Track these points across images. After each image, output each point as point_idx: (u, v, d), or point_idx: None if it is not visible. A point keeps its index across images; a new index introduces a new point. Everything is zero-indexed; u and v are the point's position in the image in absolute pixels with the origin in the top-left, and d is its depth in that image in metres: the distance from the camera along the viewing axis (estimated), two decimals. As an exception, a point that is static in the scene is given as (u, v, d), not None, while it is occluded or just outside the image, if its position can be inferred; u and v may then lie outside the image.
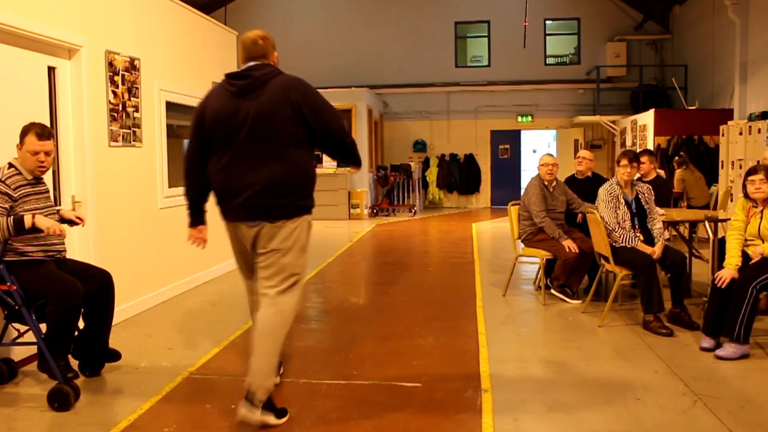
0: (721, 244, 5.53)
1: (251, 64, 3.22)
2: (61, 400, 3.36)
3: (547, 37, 16.18)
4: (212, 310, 5.64)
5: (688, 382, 3.69)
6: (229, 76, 3.24)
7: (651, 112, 11.93)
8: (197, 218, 3.65)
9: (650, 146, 11.59)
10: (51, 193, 3.90)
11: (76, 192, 4.68)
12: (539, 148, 20.09)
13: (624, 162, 5.12)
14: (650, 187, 5.37)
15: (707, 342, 4.24)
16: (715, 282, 4.21)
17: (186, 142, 6.82)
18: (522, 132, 16.99)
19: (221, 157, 3.25)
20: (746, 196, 4.47)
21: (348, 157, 3.36)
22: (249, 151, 3.15)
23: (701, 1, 13.18)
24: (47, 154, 3.57)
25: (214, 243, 6.94)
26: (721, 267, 4.37)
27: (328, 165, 13.92)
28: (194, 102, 6.52)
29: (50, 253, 3.65)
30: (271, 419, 3.13)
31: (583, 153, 6.41)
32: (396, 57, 16.26)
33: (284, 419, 3.20)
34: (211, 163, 3.34)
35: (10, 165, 3.57)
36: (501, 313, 5.42)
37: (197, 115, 3.31)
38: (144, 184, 5.58)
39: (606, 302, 5.12)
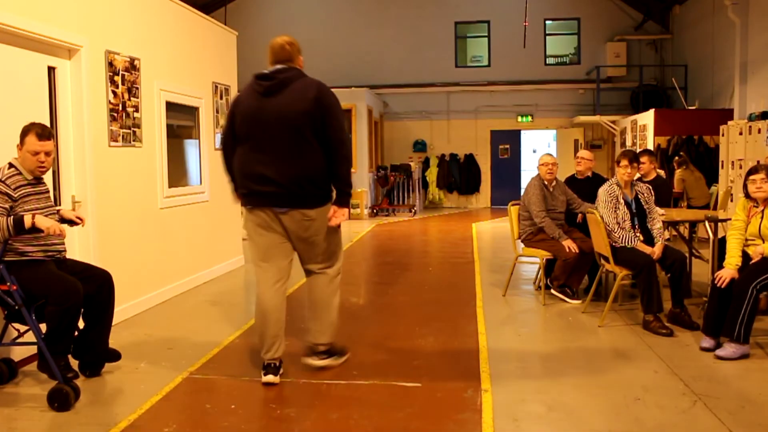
0: (721, 244, 5.53)
1: (278, 66, 3.60)
2: (61, 400, 3.35)
3: (547, 37, 16.18)
4: (212, 310, 5.64)
5: (688, 382, 3.69)
6: (258, 77, 3.61)
7: (651, 112, 11.93)
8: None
9: (650, 146, 11.59)
10: (51, 193, 3.90)
11: (76, 192, 4.68)
12: (539, 148, 20.08)
13: (624, 162, 5.12)
14: (650, 187, 5.37)
15: (707, 342, 4.24)
16: (715, 282, 4.21)
17: (186, 141, 6.85)
18: (522, 132, 17.00)
19: (247, 149, 3.60)
20: (747, 195, 4.47)
21: (338, 162, 3.60)
22: (273, 145, 3.52)
23: (701, 1, 13.18)
24: (47, 154, 3.57)
25: (214, 243, 6.96)
26: (721, 267, 4.37)
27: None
28: (194, 102, 6.59)
29: (50, 253, 3.64)
30: (341, 359, 3.98)
31: (582, 153, 6.41)
32: (396, 57, 16.26)
33: (346, 356, 4.00)
34: (237, 154, 3.67)
35: (11, 165, 3.57)
36: (501, 313, 5.42)
37: (231, 110, 3.73)
38: (144, 184, 5.58)
39: (606, 302, 5.12)
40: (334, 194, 3.67)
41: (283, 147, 3.51)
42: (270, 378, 3.67)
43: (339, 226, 3.74)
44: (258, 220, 3.65)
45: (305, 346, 3.89)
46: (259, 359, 3.83)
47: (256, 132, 3.55)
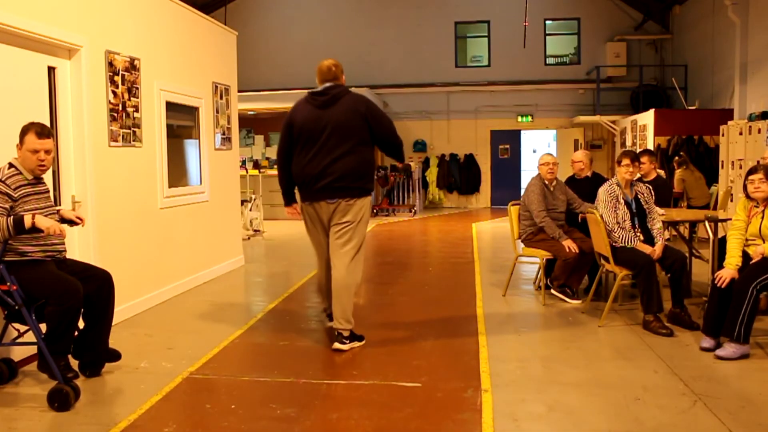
0: (721, 244, 5.53)
1: (327, 84, 4.40)
2: (61, 400, 3.35)
3: (547, 37, 16.18)
4: (212, 310, 5.64)
5: (688, 382, 3.69)
6: (312, 93, 4.42)
7: (651, 112, 11.93)
8: (290, 198, 4.69)
9: (650, 146, 11.59)
10: (51, 193, 3.90)
11: (76, 192, 4.68)
12: (539, 148, 20.08)
13: (626, 162, 5.12)
14: (650, 187, 5.37)
15: (707, 342, 4.24)
16: (715, 282, 4.21)
17: (186, 141, 6.85)
18: (522, 132, 17.00)
19: (306, 153, 4.35)
20: (748, 196, 4.47)
21: (395, 153, 4.60)
22: (329, 148, 4.28)
23: (701, 1, 13.18)
24: (47, 152, 3.57)
25: (214, 243, 6.96)
26: (721, 267, 4.37)
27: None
28: (194, 102, 6.59)
29: (50, 253, 3.64)
30: (357, 344, 4.45)
31: (575, 155, 6.43)
32: (396, 57, 16.26)
33: (363, 341, 4.49)
34: (295, 158, 4.43)
35: (11, 165, 3.57)
36: (501, 313, 5.42)
37: (287, 122, 4.44)
38: (144, 184, 5.58)
39: (606, 302, 5.12)
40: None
41: (339, 148, 4.28)
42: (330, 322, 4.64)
43: (367, 222, 4.50)
44: (312, 213, 4.49)
45: (333, 334, 4.51)
46: (259, 359, 3.94)
47: (316, 137, 4.31)
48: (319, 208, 4.41)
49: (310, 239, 4.66)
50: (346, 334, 4.37)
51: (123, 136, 5.21)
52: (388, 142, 4.51)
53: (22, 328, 3.62)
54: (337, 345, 4.35)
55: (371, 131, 4.38)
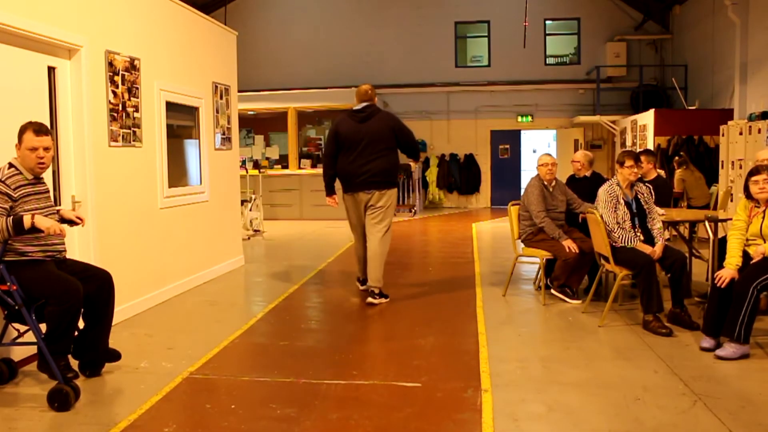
0: (721, 244, 5.52)
1: (365, 104, 5.80)
2: (61, 400, 3.35)
3: (547, 37, 16.17)
4: (212, 310, 5.64)
5: (688, 382, 3.69)
6: (353, 111, 5.82)
7: (651, 112, 11.93)
8: (331, 190, 5.98)
9: (650, 146, 11.58)
10: (51, 193, 3.90)
11: (76, 192, 4.68)
12: (539, 148, 20.07)
13: (629, 162, 5.12)
14: (650, 187, 5.37)
15: (707, 342, 4.24)
16: (715, 282, 4.21)
17: (186, 141, 6.87)
18: (522, 132, 16.99)
19: (348, 156, 5.74)
20: (748, 196, 4.47)
21: (414, 154, 6.05)
22: (366, 153, 5.68)
23: (701, 1, 13.18)
24: (46, 149, 3.57)
25: (214, 243, 6.96)
26: (721, 267, 4.37)
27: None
28: (194, 102, 6.58)
29: (50, 253, 3.64)
30: (384, 300, 5.74)
31: (574, 155, 6.45)
32: (396, 57, 16.25)
33: (388, 299, 5.79)
34: (340, 160, 5.81)
35: (11, 165, 3.57)
36: (501, 313, 5.42)
37: (333, 132, 5.88)
38: (144, 184, 5.58)
39: (606, 302, 5.12)
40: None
41: (373, 152, 5.67)
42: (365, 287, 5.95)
43: (394, 207, 5.85)
44: (352, 201, 5.85)
45: (367, 291, 5.83)
46: (259, 359, 3.97)
47: (356, 145, 5.69)
48: (357, 197, 5.78)
49: (349, 221, 6.03)
50: (376, 291, 5.72)
51: (123, 136, 5.21)
52: (410, 147, 5.97)
53: (22, 328, 3.62)
54: (370, 299, 5.71)
55: (397, 140, 5.80)
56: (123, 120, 5.20)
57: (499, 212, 14.76)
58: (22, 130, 3.55)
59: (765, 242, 4.29)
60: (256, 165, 12.73)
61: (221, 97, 7.27)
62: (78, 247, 4.64)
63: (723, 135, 9.55)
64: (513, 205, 6.15)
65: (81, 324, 3.73)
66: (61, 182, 4.58)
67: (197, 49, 6.70)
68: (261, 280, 7.20)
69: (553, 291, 5.81)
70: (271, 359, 4.29)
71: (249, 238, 10.09)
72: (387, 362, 4.15)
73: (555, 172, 5.92)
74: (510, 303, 5.76)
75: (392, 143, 5.77)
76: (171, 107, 6.06)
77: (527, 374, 3.90)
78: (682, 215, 6.14)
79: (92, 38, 4.80)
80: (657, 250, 4.88)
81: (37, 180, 3.66)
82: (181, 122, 6.48)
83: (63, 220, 3.78)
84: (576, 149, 15.20)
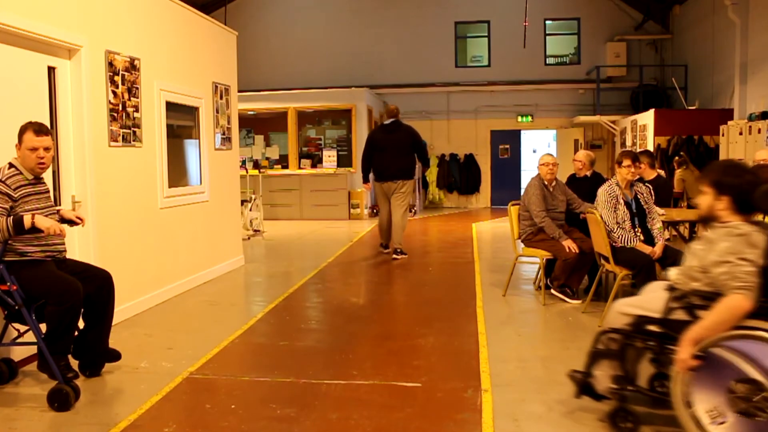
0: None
1: (392, 120, 8.16)
2: (61, 400, 3.36)
3: (547, 37, 16.16)
4: (212, 310, 5.64)
5: (688, 382, 3.68)
6: (384, 124, 8.23)
7: (651, 112, 11.93)
8: (366, 179, 8.46)
9: (650, 146, 11.59)
10: (51, 193, 3.90)
11: (76, 192, 4.68)
12: (539, 148, 20.08)
13: (627, 162, 5.13)
14: (650, 187, 5.38)
15: None
16: None
17: (186, 141, 6.89)
18: (522, 132, 16.99)
19: (381, 157, 8.10)
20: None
21: (424, 160, 8.53)
22: (392, 155, 8.02)
23: (701, 1, 13.18)
24: (46, 149, 3.57)
25: (214, 243, 6.96)
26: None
27: (328, 165, 13.93)
28: (194, 102, 6.58)
29: (50, 253, 3.64)
30: (404, 256, 8.07)
31: (576, 155, 6.46)
32: (396, 57, 16.25)
33: (407, 255, 8.16)
34: (375, 159, 8.17)
35: (11, 165, 3.57)
36: (501, 313, 5.42)
37: (370, 139, 8.35)
38: (144, 184, 5.58)
39: (606, 302, 5.12)
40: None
41: (398, 155, 8.08)
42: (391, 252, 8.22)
43: (414, 191, 8.78)
44: (382, 188, 8.19)
45: (391, 251, 8.18)
46: (259, 359, 4.00)
47: (386, 149, 8.08)
48: (386, 185, 8.17)
49: (379, 201, 8.43)
50: (398, 249, 8.11)
51: (123, 136, 5.21)
52: (422, 156, 8.42)
53: (22, 328, 3.62)
54: (394, 256, 8.08)
55: (413, 148, 8.22)
56: (123, 120, 5.20)
57: (499, 212, 14.76)
58: (22, 131, 3.55)
59: None
60: (256, 165, 12.73)
61: (221, 97, 7.28)
62: (78, 247, 4.64)
63: (723, 135, 9.56)
64: (513, 205, 6.15)
65: (81, 324, 3.73)
66: (61, 182, 4.58)
67: (197, 49, 6.71)
68: (261, 280, 7.20)
69: (553, 291, 5.81)
70: (271, 359, 4.29)
71: (249, 238, 10.09)
72: (387, 362, 4.15)
73: (556, 172, 5.92)
74: (510, 303, 5.76)
75: (410, 149, 8.17)
76: (171, 107, 6.05)
77: (527, 374, 3.90)
78: (682, 215, 6.14)
79: (92, 38, 4.80)
80: (657, 250, 4.88)
81: (37, 180, 3.66)
82: (181, 122, 6.48)
83: (63, 220, 3.79)
84: (576, 149, 15.20)
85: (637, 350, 3.07)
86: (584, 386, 3.20)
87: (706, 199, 2.98)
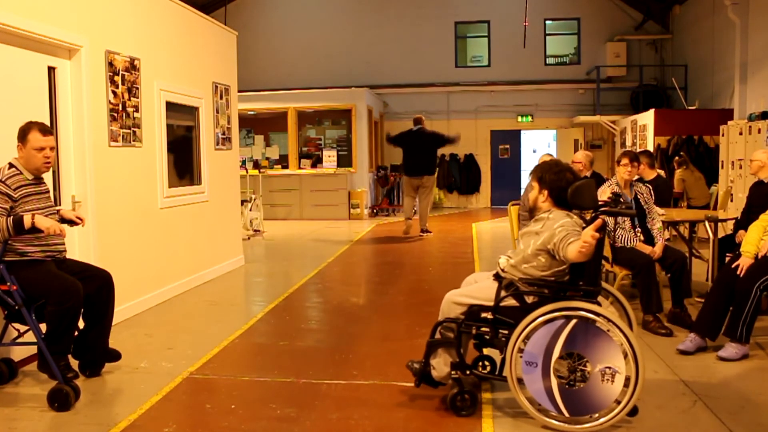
0: (721, 244, 5.53)
1: (419, 126, 10.36)
2: (61, 400, 3.36)
3: (547, 37, 16.16)
4: (212, 310, 5.64)
5: (688, 382, 3.69)
6: (411, 130, 10.35)
7: (651, 112, 11.93)
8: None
9: (650, 146, 11.58)
10: (51, 193, 3.90)
11: (76, 192, 4.68)
12: (539, 148, 20.05)
13: (625, 161, 5.13)
14: (650, 187, 5.37)
15: (690, 342, 4.18)
16: (737, 272, 4.15)
17: (186, 141, 6.87)
18: (522, 132, 16.99)
19: (410, 154, 10.27)
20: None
21: (446, 144, 10.47)
22: (419, 154, 10.20)
23: (701, 1, 13.17)
24: (52, 149, 3.59)
25: (214, 243, 6.96)
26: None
27: (327, 165, 13.93)
28: (194, 102, 6.58)
29: (50, 253, 3.64)
30: (429, 234, 10.41)
31: (575, 156, 6.45)
32: (396, 57, 16.25)
33: (432, 233, 10.51)
34: (404, 156, 10.37)
35: (11, 165, 3.57)
36: (501, 313, 5.40)
37: (403, 139, 10.37)
38: (144, 184, 5.58)
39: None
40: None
41: (424, 152, 10.16)
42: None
43: (435, 184, 11.10)
44: (411, 181, 10.21)
45: (420, 229, 10.21)
46: (259, 359, 4.01)
47: (413, 149, 10.15)
48: (414, 179, 10.17)
49: (407, 192, 10.43)
50: (424, 229, 10.27)
51: (123, 136, 5.21)
52: (442, 142, 10.29)
53: (22, 328, 3.62)
54: (421, 234, 10.15)
55: (435, 146, 10.24)
56: (123, 120, 5.20)
57: (499, 212, 14.75)
58: (26, 130, 3.54)
59: None
60: (256, 165, 12.72)
61: (221, 97, 7.28)
62: (78, 247, 4.64)
63: (723, 135, 9.55)
64: (513, 205, 6.14)
65: (81, 324, 3.73)
66: (61, 182, 4.58)
67: (197, 49, 6.71)
68: (261, 280, 7.20)
69: (553, 291, 5.80)
70: (271, 359, 4.29)
71: (249, 238, 10.09)
72: (387, 362, 4.15)
73: (555, 172, 5.91)
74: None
75: (433, 149, 10.22)
76: (171, 107, 6.06)
77: (527, 374, 3.89)
78: (682, 215, 6.14)
79: (92, 38, 4.80)
80: (657, 250, 4.87)
81: (38, 180, 3.66)
82: (181, 122, 6.48)
83: (63, 220, 3.78)
84: (576, 149, 15.20)
85: (467, 337, 3.35)
86: (423, 375, 3.40)
87: (533, 193, 3.52)
